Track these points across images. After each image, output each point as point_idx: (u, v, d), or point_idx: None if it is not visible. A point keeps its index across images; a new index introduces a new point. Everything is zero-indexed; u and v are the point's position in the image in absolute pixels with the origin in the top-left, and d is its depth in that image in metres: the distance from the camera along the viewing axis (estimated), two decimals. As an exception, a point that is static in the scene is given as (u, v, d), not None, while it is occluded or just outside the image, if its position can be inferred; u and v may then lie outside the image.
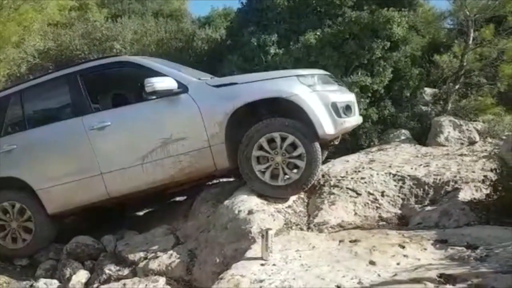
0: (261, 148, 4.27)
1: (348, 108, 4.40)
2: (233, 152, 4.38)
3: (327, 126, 4.19)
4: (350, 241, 3.38)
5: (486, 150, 5.24)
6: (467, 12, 7.20)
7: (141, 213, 6.14)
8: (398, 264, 2.91)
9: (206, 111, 4.35)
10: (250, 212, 3.99)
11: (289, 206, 4.30)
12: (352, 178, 4.65)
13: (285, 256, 3.23)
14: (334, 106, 4.26)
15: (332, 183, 4.64)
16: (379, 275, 2.77)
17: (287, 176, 4.26)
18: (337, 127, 4.27)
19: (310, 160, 4.19)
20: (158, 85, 4.33)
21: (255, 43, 7.53)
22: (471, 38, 7.26)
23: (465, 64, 7.31)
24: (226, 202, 4.31)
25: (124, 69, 4.99)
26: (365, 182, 4.55)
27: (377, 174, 4.65)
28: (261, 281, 2.88)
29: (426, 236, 3.30)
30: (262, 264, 3.15)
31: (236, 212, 4.05)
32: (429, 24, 8.33)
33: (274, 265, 3.11)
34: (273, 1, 7.80)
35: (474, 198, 3.99)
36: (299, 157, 4.21)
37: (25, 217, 4.93)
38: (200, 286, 3.79)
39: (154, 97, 4.50)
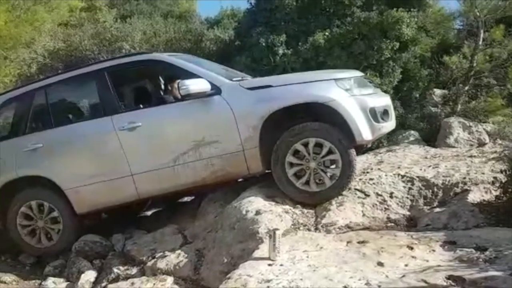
0: (305, 145, 4.19)
1: (385, 113, 4.34)
2: (267, 156, 4.31)
3: (365, 132, 4.12)
4: (358, 242, 3.36)
5: (495, 152, 5.19)
6: (477, 13, 7.15)
7: (149, 213, 6.17)
8: (406, 265, 2.89)
9: (240, 114, 4.28)
10: (258, 213, 3.99)
11: (297, 207, 4.29)
12: (360, 179, 4.63)
13: (293, 257, 3.22)
14: (372, 111, 4.18)
15: (340, 184, 4.62)
16: (387, 276, 2.76)
17: (305, 181, 4.22)
18: (375, 132, 4.22)
19: (338, 184, 4.18)
20: (193, 87, 4.27)
21: (264, 44, 7.54)
22: (481, 39, 7.21)
23: (474, 65, 7.25)
24: (234, 202, 4.32)
25: (154, 68, 4.98)
26: (374, 183, 4.52)
27: (386, 175, 4.62)
28: (268, 281, 2.87)
29: (435, 238, 3.27)
30: (269, 264, 3.14)
31: (244, 212, 4.05)
32: (438, 25, 8.28)
33: (281, 265, 3.10)
34: (281, 1, 7.80)
35: (484, 200, 3.96)
36: (330, 176, 4.19)
37: (55, 227, 4.93)
38: (208, 285, 3.79)
39: (182, 99, 4.46)
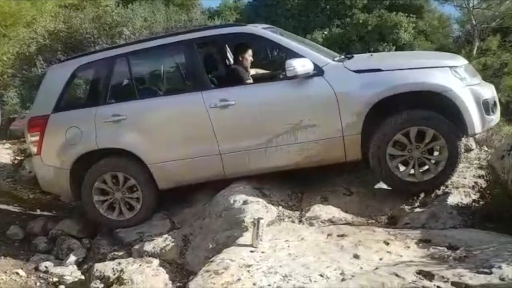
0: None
1: (495, 105, 4.17)
2: (365, 142, 4.14)
3: (477, 125, 3.98)
4: (338, 235, 3.49)
5: (479, 158, 5.33)
6: (474, 22, 7.29)
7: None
8: (380, 259, 3.03)
9: (343, 99, 4.08)
10: (245, 203, 4.13)
11: (283, 200, 4.43)
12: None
13: (274, 245, 3.36)
14: (486, 103, 4.01)
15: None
16: (361, 267, 2.90)
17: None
18: (484, 125, 4.08)
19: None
20: (300, 69, 4.07)
21: (263, 38, 7.63)
22: (476, 48, 7.36)
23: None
24: (223, 191, 4.45)
25: (248, 42, 4.74)
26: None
27: (371, 174, 4.74)
28: (249, 266, 3.02)
29: (411, 235, 3.40)
30: (251, 251, 3.29)
31: (232, 201, 4.19)
32: (436, 31, 8.42)
33: (263, 252, 3.25)
34: (283, -3, 7.92)
35: (462, 203, 4.09)
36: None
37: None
38: (192, 269, 3.91)
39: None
